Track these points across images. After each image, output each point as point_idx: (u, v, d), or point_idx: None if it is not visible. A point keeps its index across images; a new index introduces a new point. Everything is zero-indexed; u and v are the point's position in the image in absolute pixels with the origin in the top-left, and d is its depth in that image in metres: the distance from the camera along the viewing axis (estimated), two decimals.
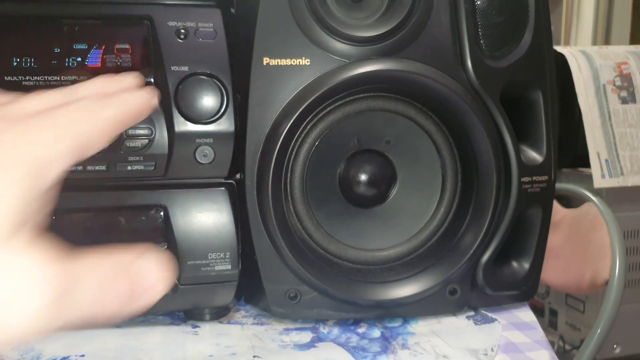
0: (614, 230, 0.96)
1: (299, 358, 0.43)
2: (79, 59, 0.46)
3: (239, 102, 0.47)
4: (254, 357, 0.43)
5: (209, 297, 0.49)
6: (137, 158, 0.45)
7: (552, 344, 1.20)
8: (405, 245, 0.51)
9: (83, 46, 0.46)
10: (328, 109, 0.47)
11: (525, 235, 0.51)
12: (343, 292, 0.48)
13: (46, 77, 0.45)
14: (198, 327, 0.49)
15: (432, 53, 0.46)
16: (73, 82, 0.45)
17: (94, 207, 0.46)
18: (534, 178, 0.49)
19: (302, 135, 0.47)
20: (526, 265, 0.51)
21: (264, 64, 0.45)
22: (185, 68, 0.45)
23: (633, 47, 1.17)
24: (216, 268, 0.47)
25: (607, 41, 2.10)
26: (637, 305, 1.08)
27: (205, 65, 0.45)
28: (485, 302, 0.51)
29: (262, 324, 0.50)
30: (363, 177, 0.51)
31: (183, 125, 0.45)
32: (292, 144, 0.47)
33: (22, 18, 0.45)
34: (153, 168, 0.46)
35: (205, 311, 0.51)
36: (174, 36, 0.44)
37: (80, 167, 0.45)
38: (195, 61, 0.45)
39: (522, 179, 0.49)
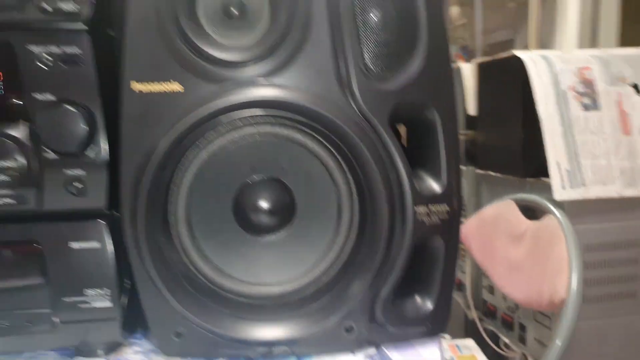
0: (572, 246, 0.93)
1: None
2: None
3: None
4: None
5: (94, 333, 0.47)
6: (7, 192, 0.43)
7: None
8: (302, 279, 0.48)
9: None
10: (209, 136, 0.45)
11: (429, 268, 0.49)
12: (230, 331, 0.46)
13: None
14: None
15: (313, 75, 0.44)
16: None
17: None
18: (432, 208, 0.46)
19: (183, 165, 0.45)
20: (429, 303, 0.48)
21: (135, 90, 0.43)
22: (51, 96, 0.43)
23: (598, 51, 1.13)
24: (94, 305, 0.45)
25: (594, 44, 2.05)
26: (599, 322, 1.04)
27: (72, 92, 0.43)
28: (388, 338, 0.49)
29: None
30: (259, 205, 0.48)
31: (51, 156, 0.43)
32: (172, 173, 0.45)
33: None
34: (24, 201, 0.43)
35: (97, 346, 0.49)
36: (36, 62, 0.42)
37: None
38: (61, 89, 0.43)
39: (418, 210, 0.46)
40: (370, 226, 0.47)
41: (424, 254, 0.48)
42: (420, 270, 0.49)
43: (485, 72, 1.27)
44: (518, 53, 1.09)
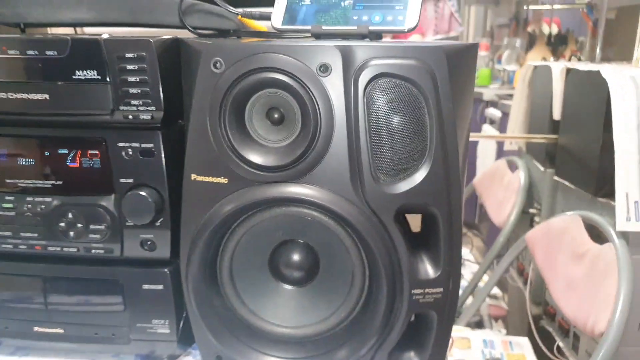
0: (624, 283, 0.94)
1: None
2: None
3: None
4: None
5: (157, 348, 0.62)
6: (99, 245, 0.58)
7: None
8: (318, 326, 0.59)
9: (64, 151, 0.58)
10: (247, 214, 0.56)
11: (423, 333, 0.57)
12: None
13: None
14: None
15: (331, 179, 0.52)
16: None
17: (70, 277, 0.60)
18: (427, 290, 0.54)
19: (227, 236, 0.57)
20: None
21: (192, 179, 0.55)
22: (131, 180, 0.56)
23: None
24: (158, 331, 0.60)
25: None
26: None
27: (146, 178, 0.55)
28: None
29: None
30: (290, 261, 0.59)
31: (129, 224, 0.57)
32: (220, 240, 0.57)
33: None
34: (110, 252, 0.58)
35: (161, 355, 0.64)
36: (122, 154, 0.55)
37: (58, 248, 0.59)
38: (138, 175, 0.55)
39: (414, 291, 0.54)
40: (375, 296, 0.56)
41: (420, 320, 0.56)
42: (418, 331, 0.57)
43: (572, 80, 1.22)
44: (604, 73, 1.04)
